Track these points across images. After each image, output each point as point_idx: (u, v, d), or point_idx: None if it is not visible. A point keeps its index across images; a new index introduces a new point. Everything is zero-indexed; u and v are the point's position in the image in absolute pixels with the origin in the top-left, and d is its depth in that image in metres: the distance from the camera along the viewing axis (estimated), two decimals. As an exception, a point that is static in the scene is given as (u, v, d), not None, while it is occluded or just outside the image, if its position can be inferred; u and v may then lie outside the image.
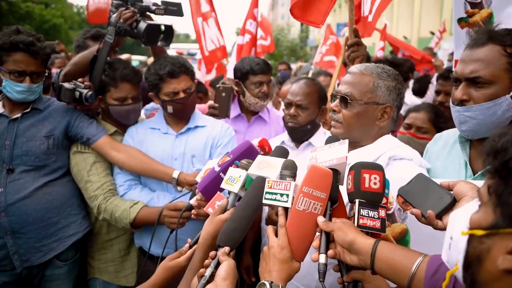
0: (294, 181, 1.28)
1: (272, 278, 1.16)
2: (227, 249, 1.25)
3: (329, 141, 1.41)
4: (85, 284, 2.68)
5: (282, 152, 1.46)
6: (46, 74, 2.36)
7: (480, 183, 1.32)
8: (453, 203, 1.15)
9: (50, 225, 2.32)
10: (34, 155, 2.28)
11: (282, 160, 1.36)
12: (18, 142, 2.26)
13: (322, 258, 1.18)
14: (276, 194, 1.26)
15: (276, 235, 1.23)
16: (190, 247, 1.54)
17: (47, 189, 2.32)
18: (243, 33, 5.02)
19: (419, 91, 5.21)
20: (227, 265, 1.19)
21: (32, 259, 2.30)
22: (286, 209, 1.25)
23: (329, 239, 1.21)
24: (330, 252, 1.19)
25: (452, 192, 1.17)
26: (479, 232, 0.75)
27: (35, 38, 2.23)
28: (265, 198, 1.28)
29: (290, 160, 1.36)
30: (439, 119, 2.65)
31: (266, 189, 1.28)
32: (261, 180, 1.33)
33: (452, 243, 0.82)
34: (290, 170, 1.31)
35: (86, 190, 2.39)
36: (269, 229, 1.26)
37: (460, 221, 0.81)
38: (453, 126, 1.68)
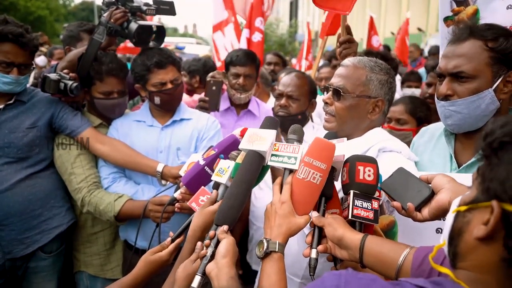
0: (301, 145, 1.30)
1: (273, 233, 1.19)
2: (225, 227, 1.24)
3: (327, 137, 1.43)
4: (71, 277, 2.67)
5: (271, 122, 1.45)
6: (33, 66, 2.33)
7: (463, 176, 1.35)
8: (431, 195, 1.18)
9: (33, 218, 2.30)
10: (16, 147, 2.24)
11: (272, 131, 1.35)
12: (0, 134, 2.22)
13: (314, 253, 1.21)
14: (283, 156, 1.28)
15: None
16: (173, 241, 1.53)
17: (30, 181, 2.29)
18: (249, 27, 4.93)
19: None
20: (226, 242, 1.19)
21: (14, 251, 2.27)
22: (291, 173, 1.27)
23: (322, 234, 1.24)
24: (320, 247, 1.22)
25: (430, 185, 1.20)
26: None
27: (24, 29, 2.20)
28: (271, 160, 1.30)
29: (298, 125, 1.38)
30: (417, 109, 2.75)
31: (272, 152, 1.31)
32: (253, 154, 1.32)
33: (445, 223, 0.87)
34: (297, 135, 1.34)
35: (70, 182, 2.36)
36: (275, 186, 1.28)
37: (455, 203, 0.86)
38: (437, 116, 1.70)
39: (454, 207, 0.84)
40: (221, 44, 5.18)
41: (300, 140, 1.34)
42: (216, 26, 5.22)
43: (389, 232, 1.51)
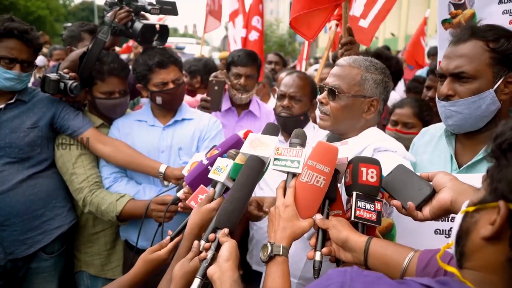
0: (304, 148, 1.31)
1: (277, 237, 1.19)
2: (226, 230, 1.24)
3: (330, 140, 1.43)
4: (72, 277, 2.67)
5: (273, 129, 1.46)
6: (36, 64, 2.34)
7: (464, 176, 1.35)
8: (432, 194, 1.17)
9: (35, 218, 2.30)
10: (17, 147, 2.24)
11: (274, 138, 1.36)
12: (1, 133, 2.22)
13: (318, 256, 1.21)
14: (286, 160, 1.28)
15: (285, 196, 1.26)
16: (172, 239, 1.53)
17: (32, 182, 2.29)
18: (246, 26, 4.96)
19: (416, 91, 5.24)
20: (229, 245, 1.18)
21: (16, 252, 2.27)
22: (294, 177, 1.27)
23: (326, 236, 1.24)
24: (324, 249, 1.22)
25: (431, 183, 1.20)
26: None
27: (29, 28, 2.22)
28: (274, 164, 1.30)
29: (301, 129, 1.38)
30: (424, 112, 2.73)
31: (275, 156, 1.31)
32: (255, 159, 1.32)
33: (454, 224, 0.87)
34: (300, 139, 1.34)
35: (72, 182, 2.36)
36: (279, 190, 1.28)
37: (465, 205, 0.86)
38: (438, 118, 1.71)
39: (463, 208, 0.85)
40: (231, 35, 5.18)
41: (303, 144, 1.34)
42: (230, 15, 5.27)
43: (387, 235, 1.51)
